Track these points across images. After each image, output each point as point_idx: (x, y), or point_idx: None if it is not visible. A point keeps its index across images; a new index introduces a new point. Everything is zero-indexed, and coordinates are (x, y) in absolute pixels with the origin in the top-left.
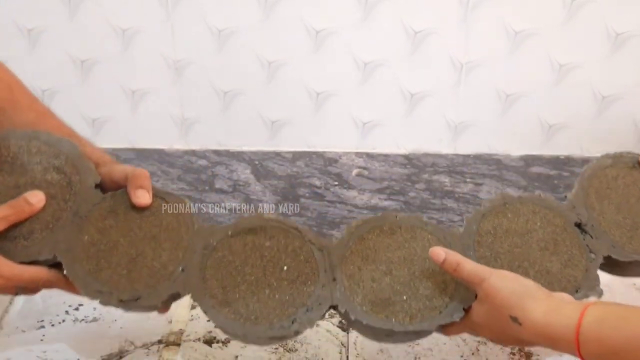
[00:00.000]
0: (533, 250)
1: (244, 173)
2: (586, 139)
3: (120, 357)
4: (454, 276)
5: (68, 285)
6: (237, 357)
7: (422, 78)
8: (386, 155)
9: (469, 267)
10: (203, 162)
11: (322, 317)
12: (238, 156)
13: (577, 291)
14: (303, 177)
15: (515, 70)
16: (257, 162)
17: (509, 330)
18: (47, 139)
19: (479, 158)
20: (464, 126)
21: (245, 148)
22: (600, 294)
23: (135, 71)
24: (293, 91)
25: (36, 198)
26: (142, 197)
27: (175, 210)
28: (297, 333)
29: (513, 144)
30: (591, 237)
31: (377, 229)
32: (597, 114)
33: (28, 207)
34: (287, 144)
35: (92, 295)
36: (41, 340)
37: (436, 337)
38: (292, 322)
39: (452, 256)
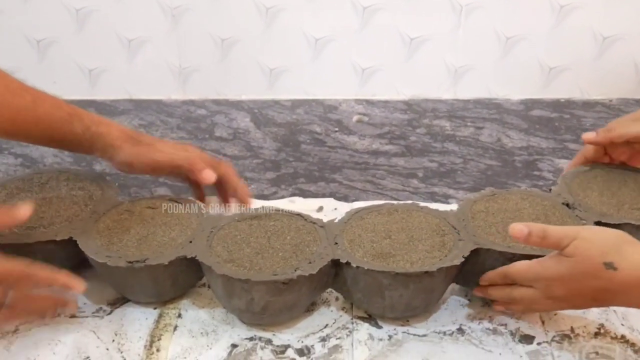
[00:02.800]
0: (525, 220)
1: (244, 121)
2: (586, 82)
3: (125, 302)
4: (542, 246)
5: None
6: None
7: (421, 22)
8: (386, 102)
9: (557, 230)
10: (202, 111)
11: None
12: (237, 105)
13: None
14: (303, 124)
15: (515, 12)
16: (256, 111)
17: (596, 281)
18: (76, 172)
19: (479, 102)
20: (464, 70)
21: (244, 97)
22: None
23: (131, 19)
24: (291, 38)
25: (24, 207)
26: (208, 175)
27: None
28: (299, 277)
29: (513, 87)
30: (580, 211)
31: (375, 212)
32: (598, 56)
33: (13, 212)
34: (286, 92)
35: (102, 259)
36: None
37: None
38: (295, 270)
39: (536, 227)
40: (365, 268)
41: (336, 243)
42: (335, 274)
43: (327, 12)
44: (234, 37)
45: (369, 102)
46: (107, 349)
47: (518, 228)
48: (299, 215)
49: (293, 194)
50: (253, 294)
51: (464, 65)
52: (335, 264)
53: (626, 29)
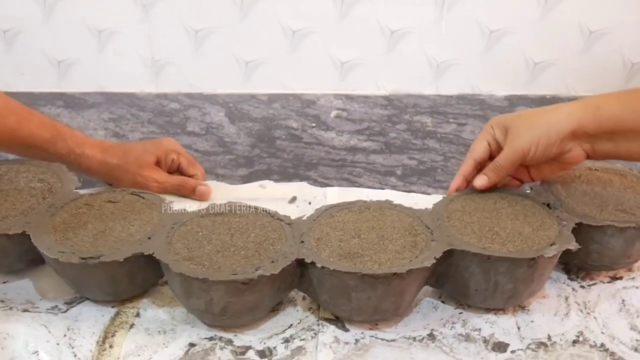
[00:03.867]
0: (503, 220)
1: (218, 116)
2: (573, 77)
3: (82, 300)
4: (505, 176)
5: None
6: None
7: (403, 14)
8: (366, 97)
9: (505, 155)
10: (175, 105)
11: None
12: (211, 99)
13: (551, 245)
14: (279, 119)
15: (500, 5)
16: (231, 105)
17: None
18: (38, 163)
19: (462, 98)
20: (447, 65)
21: (219, 91)
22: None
23: (101, 9)
24: (268, 29)
25: None
26: (201, 194)
27: (149, 202)
28: (260, 277)
29: (497, 83)
30: (560, 211)
31: (346, 209)
32: (584, 50)
33: None
34: (263, 86)
35: (54, 254)
36: (4, 283)
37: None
38: (256, 270)
39: (489, 170)
40: (331, 268)
41: (302, 242)
42: (301, 274)
43: (305, 3)
44: (208, 29)
45: (348, 97)
46: (58, 344)
47: (479, 184)
48: (266, 212)
49: None
50: (212, 294)
51: (446, 59)
52: (301, 263)
53: (614, 23)
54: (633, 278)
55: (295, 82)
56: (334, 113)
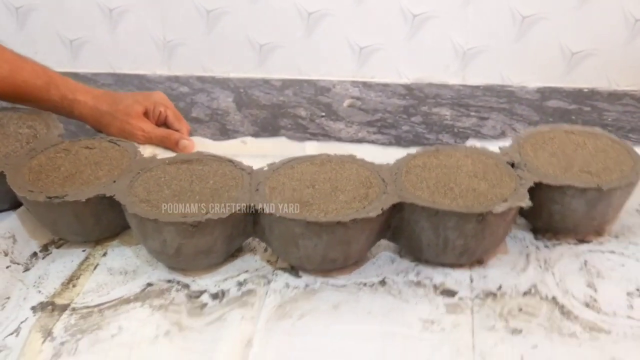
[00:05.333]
0: (460, 177)
1: (225, 101)
2: (614, 70)
3: (59, 245)
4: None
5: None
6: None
7: None
8: (385, 85)
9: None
10: (185, 88)
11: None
12: (223, 83)
13: (503, 201)
14: (289, 107)
15: None
16: (242, 90)
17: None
18: (30, 111)
19: (489, 89)
20: (474, 53)
21: (232, 74)
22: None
23: None
24: (283, 10)
25: None
26: (183, 147)
27: (123, 149)
28: (208, 220)
29: (530, 74)
30: (522, 171)
31: (308, 162)
32: (629, 40)
33: None
34: (277, 71)
35: (23, 193)
36: None
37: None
38: (206, 213)
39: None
40: (277, 215)
41: (257, 190)
42: (255, 222)
43: None
44: (221, 9)
45: (366, 85)
46: (27, 289)
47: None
48: (230, 161)
49: None
50: (164, 235)
51: (474, 47)
52: (254, 211)
53: None
54: (601, 243)
55: (310, 67)
56: (347, 102)
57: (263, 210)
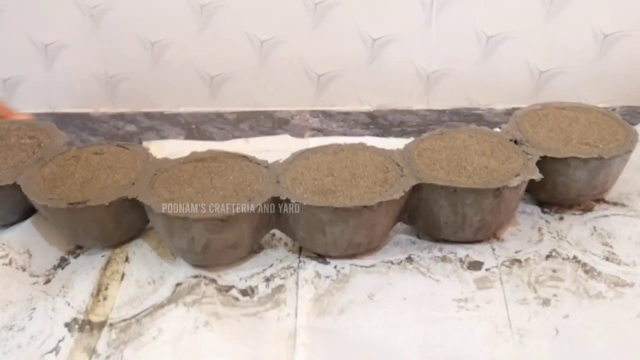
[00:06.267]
0: (470, 156)
1: (177, 139)
2: (584, 87)
3: (76, 255)
4: None
5: None
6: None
7: (385, 19)
8: (347, 114)
9: None
10: (131, 127)
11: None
12: (173, 119)
13: (516, 176)
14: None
15: (498, 6)
16: (194, 126)
17: None
18: (28, 122)
19: (456, 113)
20: (438, 76)
21: (182, 109)
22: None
23: (44, 20)
24: (233, 39)
25: None
26: None
27: (134, 152)
28: (237, 214)
29: (497, 95)
30: (526, 146)
31: (321, 152)
32: (599, 56)
33: None
34: (231, 103)
35: (43, 201)
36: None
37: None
38: (233, 208)
39: None
40: (304, 204)
41: (278, 182)
42: (278, 214)
43: (273, 9)
44: (166, 40)
45: (326, 114)
46: (53, 298)
47: None
48: (244, 156)
49: None
50: (193, 232)
51: (437, 69)
52: (277, 201)
53: (631, 25)
54: (605, 209)
55: (266, 98)
56: (307, 134)
57: (289, 200)
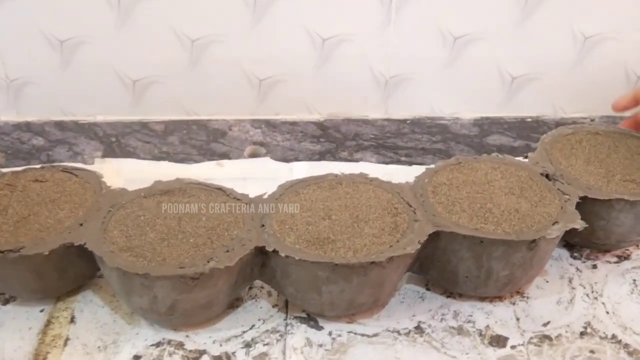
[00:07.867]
0: (496, 195)
1: (93, 157)
2: (561, 95)
3: (5, 302)
4: None
5: None
6: None
7: (337, 16)
8: (293, 124)
9: None
10: (39, 140)
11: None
12: (89, 130)
13: (554, 224)
14: (175, 161)
15: (466, 3)
16: (113, 139)
17: None
18: None
19: (417, 124)
20: (398, 81)
21: (99, 118)
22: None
23: None
24: (159, 37)
25: None
26: None
27: (83, 180)
28: (212, 271)
29: (464, 103)
30: (562, 183)
31: (314, 185)
32: (578, 61)
33: None
34: (157, 111)
35: None
36: None
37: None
38: (208, 262)
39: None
40: (297, 258)
41: (263, 225)
42: (263, 264)
43: (204, 2)
44: (77, 38)
45: (269, 125)
46: None
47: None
48: (220, 189)
49: None
50: (155, 291)
51: (397, 74)
52: (262, 251)
53: (613, 27)
54: None
55: (199, 105)
56: (248, 150)
57: (277, 252)
